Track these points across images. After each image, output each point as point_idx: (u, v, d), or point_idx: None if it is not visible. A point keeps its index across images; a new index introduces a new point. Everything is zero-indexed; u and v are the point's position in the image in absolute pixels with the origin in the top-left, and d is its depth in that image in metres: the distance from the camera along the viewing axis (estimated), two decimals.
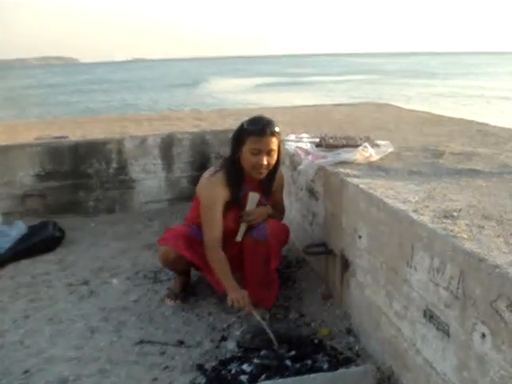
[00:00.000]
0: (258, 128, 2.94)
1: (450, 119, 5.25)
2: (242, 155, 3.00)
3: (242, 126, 3.01)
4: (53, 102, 36.50)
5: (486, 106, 26.78)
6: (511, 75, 53.10)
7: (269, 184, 3.19)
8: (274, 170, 3.11)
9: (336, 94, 34.56)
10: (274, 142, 2.97)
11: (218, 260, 3.00)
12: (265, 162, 2.97)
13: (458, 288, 1.74)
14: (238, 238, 3.12)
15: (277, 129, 2.99)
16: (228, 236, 3.11)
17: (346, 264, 2.85)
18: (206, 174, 3.15)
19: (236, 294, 2.88)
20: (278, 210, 3.36)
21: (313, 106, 7.35)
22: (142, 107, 29.68)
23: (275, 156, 3.04)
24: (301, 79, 58.28)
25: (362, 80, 53.67)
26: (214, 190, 3.06)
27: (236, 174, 3.07)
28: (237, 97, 36.31)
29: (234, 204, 3.11)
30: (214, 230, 3.04)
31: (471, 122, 5.02)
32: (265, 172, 3.03)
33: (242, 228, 3.12)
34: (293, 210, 3.88)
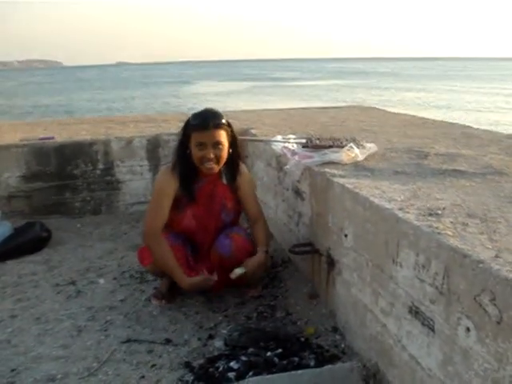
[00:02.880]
0: (200, 121, 2.96)
1: (434, 122, 5.30)
2: (192, 152, 3.01)
3: (188, 120, 3.03)
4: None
5: None
6: None
7: (230, 177, 3.20)
8: (232, 162, 3.15)
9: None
10: (220, 135, 2.98)
11: (161, 250, 3.06)
12: (211, 156, 2.97)
13: (442, 284, 1.77)
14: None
15: (223, 121, 3.00)
16: (191, 236, 3.19)
17: (331, 263, 2.88)
18: (163, 168, 3.21)
19: (189, 282, 3.03)
20: (254, 217, 3.34)
21: (299, 108, 7.38)
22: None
23: (224, 149, 3.03)
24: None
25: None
26: (165, 181, 3.11)
27: (188, 170, 3.07)
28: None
29: (190, 200, 3.12)
30: (157, 218, 3.10)
31: (455, 124, 5.09)
32: (215, 166, 3.04)
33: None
34: (279, 210, 3.91)
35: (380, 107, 7.52)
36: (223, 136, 3.00)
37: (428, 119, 5.59)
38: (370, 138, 3.92)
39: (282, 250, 3.90)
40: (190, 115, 3.10)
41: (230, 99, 36.67)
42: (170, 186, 3.09)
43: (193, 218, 3.15)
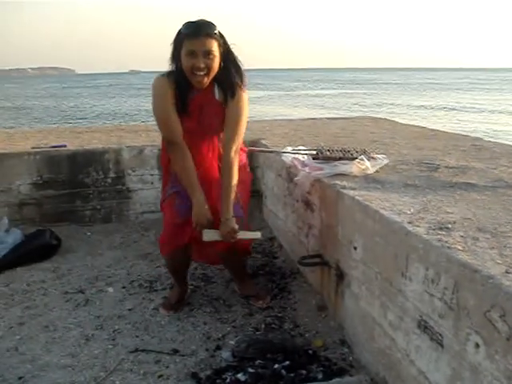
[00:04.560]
0: (192, 29, 2.84)
1: (445, 134, 5.29)
2: (182, 62, 2.90)
3: (180, 30, 2.90)
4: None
5: None
6: None
7: (223, 94, 3.05)
8: (225, 78, 3.00)
9: None
10: (211, 44, 2.84)
11: (184, 168, 3.00)
12: (202, 65, 2.85)
13: (452, 298, 1.76)
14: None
15: (216, 31, 2.87)
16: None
17: (341, 275, 2.86)
18: (157, 76, 3.06)
19: (197, 210, 2.95)
20: (224, 145, 3.07)
21: (309, 119, 7.38)
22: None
23: (215, 60, 2.89)
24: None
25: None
26: (162, 86, 2.99)
27: (181, 80, 2.98)
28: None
29: (182, 111, 3.02)
30: (173, 129, 3.01)
31: (466, 136, 5.07)
32: (205, 78, 2.92)
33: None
34: (288, 221, 3.90)
35: (390, 118, 7.52)
36: (215, 46, 2.86)
37: (438, 131, 5.58)
38: (380, 150, 3.91)
39: (292, 260, 3.88)
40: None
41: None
42: (167, 91, 2.98)
43: (185, 132, 3.04)
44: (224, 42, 2.94)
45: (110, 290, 3.62)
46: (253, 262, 3.96)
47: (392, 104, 39.70)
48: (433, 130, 5.73)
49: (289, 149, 3.43)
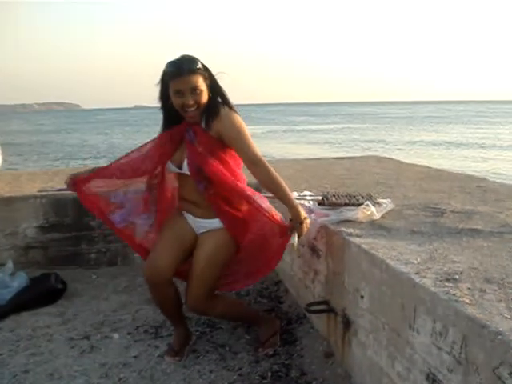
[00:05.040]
0: (175, 68, 2.86)
1: (450, 174, 5.30)
2: (172, 100, 2.94)
3: (164, 69, 2.93)
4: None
5: None
6: None
7: (206, 120, 3.01)
8: (209, 106, 2.98)
9: None
10: (196, 80, 2.87)
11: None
12: (190, 102, 2.88)
13: (460, 353, 1.75)
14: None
15: (199, 65, 2.89)
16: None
17: (347, 323, 2.85)
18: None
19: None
20: (249, 162, 2.98)
21: (314, 159, 7.41)
22: None
23: (203, 94, 2.91)
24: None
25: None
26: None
27: (174, 119, 3.05)
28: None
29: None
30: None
31: (471, 177, 5.08)
32: (195, 113, 2.94)
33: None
34: (294, 265, 3.89)
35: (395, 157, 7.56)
36: (200, 81, 2.89)
37: (443, 171, 5.59)
38: (386, 193, 3.92)
39: (298, 305, 3.85)
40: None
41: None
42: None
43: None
44: (209, 73, 2.97)
45: (116, 336, 3.60)
46: (259, 306, 3.95)
47: (393, 140, 39.78)
48: (437, 170, 5.74)
49: (295, 194, 3.43)
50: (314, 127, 59.92)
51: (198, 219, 3.10)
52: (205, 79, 2.92)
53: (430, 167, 6.12)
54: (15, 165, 25.06)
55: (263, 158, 2.96)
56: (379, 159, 6.97)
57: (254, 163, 2.94)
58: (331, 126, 60.80)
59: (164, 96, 2.99)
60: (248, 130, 3.01)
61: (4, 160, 5.62)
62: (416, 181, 4.71)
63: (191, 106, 2.90)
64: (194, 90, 2.87)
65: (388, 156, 8.16)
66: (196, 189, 3.01)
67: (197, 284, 3.08)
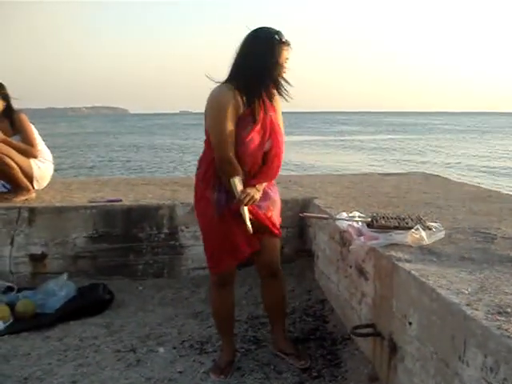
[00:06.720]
0: (287, 39, 3.03)
1: (499, 195, 5.23)
2: (277, 67, 3.03)
3: (273, 38, 2.99)
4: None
5: None
6: None
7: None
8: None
9: None
10: None
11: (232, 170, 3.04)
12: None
13: None
14: (249, 229, 3.09)
15: None
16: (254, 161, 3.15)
17: (394, 348, 2.82)
18: (217, 87, 3.09)
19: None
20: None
21: (361, 174, 7.37)
22: None
23: None
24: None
25: None
26: (223, 97, 3.03)
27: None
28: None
29: (253, 120, 3.08)
30: (227, 146, 3.02)
31: None
32: None
33: (245, 214, 3.08)
34: (340, 286, 3.88)
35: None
36: None
37: (492, 191, 5.51)
38: (434, 215, 3.89)
39: (343, 325, 3.83)
40: None
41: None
42: (231, 102, 3.02)
43: (251, 141, 3.10)
44: None
45: (161, 350, 3.63)
46: (303, 325, 3.94)
47: (441, 153, 38.86)
48: (486, 190, 5.66)
49: (343, 215, 3.43)
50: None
51: None
52: None
53: (480, 186, 6.04)
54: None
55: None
56: (427, 176, 6.90)
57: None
58: (377, 137, 60.11)
59: (270, 62, 3.02)
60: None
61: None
62: (465, 201, 4.65)
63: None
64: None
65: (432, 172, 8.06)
66: None
67: (276, 254, 3.40)
